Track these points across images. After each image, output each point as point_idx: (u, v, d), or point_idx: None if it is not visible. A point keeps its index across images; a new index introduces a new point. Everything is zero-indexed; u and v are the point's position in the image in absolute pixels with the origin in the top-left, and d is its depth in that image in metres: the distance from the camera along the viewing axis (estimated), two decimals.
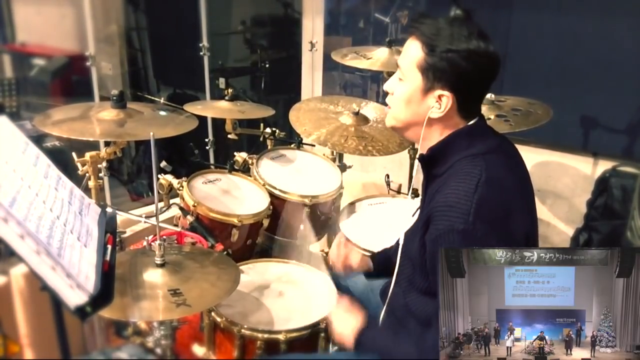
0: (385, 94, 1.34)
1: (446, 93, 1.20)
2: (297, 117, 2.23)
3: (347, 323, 1.36)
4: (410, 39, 1.24)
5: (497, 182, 1.18)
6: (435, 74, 1.20)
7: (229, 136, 2.36)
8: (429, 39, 1.20)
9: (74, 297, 0.98)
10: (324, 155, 2.36)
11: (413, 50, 1.23)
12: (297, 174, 2.24)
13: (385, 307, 1.45)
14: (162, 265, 1.34)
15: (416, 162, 1.34)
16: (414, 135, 1.30)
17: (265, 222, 2.03)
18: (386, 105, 1.36)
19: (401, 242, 1.37)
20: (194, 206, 1.87)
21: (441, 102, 1.21)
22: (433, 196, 1.25)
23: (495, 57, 1.20)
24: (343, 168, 2.38)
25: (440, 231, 1.16)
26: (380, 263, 1.65)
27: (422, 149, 1.30)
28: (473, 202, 1.13)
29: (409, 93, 1.25)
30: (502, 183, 1.20)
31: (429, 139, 1.28)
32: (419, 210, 1.42)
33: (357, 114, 2.23)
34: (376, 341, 1.32)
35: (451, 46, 1.17)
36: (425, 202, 1.33)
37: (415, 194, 2.27)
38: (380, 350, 1.29)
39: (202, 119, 2.16)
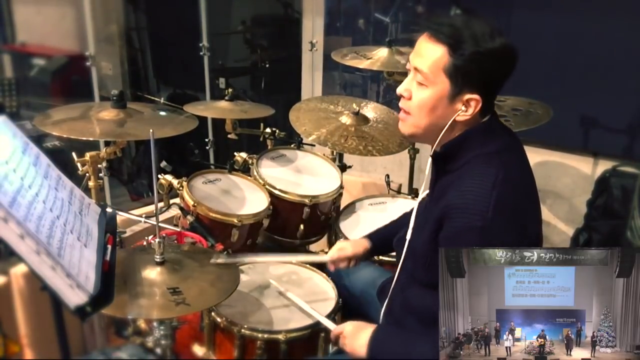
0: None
1: (475, 96, 1.18)
2: (297, 117, 2.23)
3: (357, 338, 1.33)
4: (428, 41, 1.19)
5: (513, 181, 1.18)
6: (465, 78, 1.16)
7: (229, 136, 2.36)
8: (453, 41, 1.15)
9: (74, 297, 0.98)
10: (324, 155, 2.36)
11: (436, 54, 1.17)
12: (297, 174, 2.24)
13: (385, 304, 1.45)
14: (161, 263, 1.33)
15: (428, 163, 1.32)
16: (431, 139, 1.27)
17: (265, 222, 2.03)
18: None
19: (409, 237, 1.37)
20: (194, 206, 1.87)
21: (470, 105, 1.19)
22: (444, 191, 1.24)
23: (516, 51, 1.18)
24: (343, 168, 2.38)
25: (457, 229, 1.16)
26: (379, 241, 1.67)
27: (437, 146, 1.28)
28: (491, 200, 1.13)
29: (435, 99, 1.20)
30: (518, 182, 1.20)
31: (446, 138, 1.26)
32: (424, 203, 1.42)
33: (357, 114, 2.23)
34: (389, 344, 1.29)
35: (478, 47, 1.14)
36: (434, 196, 1.32)
37: (415, 193, 2.27)
38: (396, 353, 1.27)
39: (202, 119, 2.16)
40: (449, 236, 1.18)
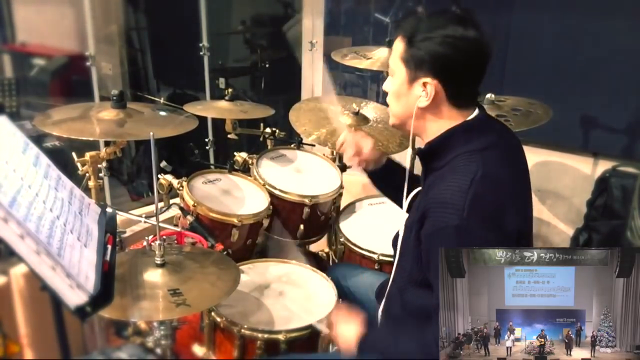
0: (385, 93, 1.36)
1: (429, 80, 1.22)
2: (297, 117, 2.23)
3: (348, 331, 1.36)
4: (397, 39, 1.29)
5: (492, 179, 1.19)
6: (416, 62, 1.23)
7: (229, 136, 2.36)
8: (408, 32, 1.24)
9: (74, 297, 0.99)
10: (324, 155, 2.36)
11: (397, 46, 1.28)
12: (297, 174, 2.24)
13: (382, 305, 1.46)
14: (162, 265, 1.34)
15: (408, 156, 1.35)
16: (408, 128, 1.32)
17: (265, 222, 2.03)
18: (387, 105, 1.37)
19: (401, 234, 1.37)
20: (194, 206, 1.87)
21: (426, 89, 1.23)
22: (428, 190, 1.26)
23: (475, 41, 1.21)
24: (343, 168, 2.38)
25: (435, 227, 1.17)
26: (391, 169, 1.66)
27: (422, 142, 1.32)
28: (467, 199, 1.14)
29: (398, 87, 1.29)
30: (498, 180, 1.21)
31: (428, 132, 1.30)
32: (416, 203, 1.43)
33: (357, 114, 2.23)
34: (377, 342, 1.32)
35: (428, 34, 1.21)
36: (423, 194, 1.34)
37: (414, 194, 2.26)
38: (383, 350, 1.29)
39: (202, 119, 2.16)
40: (428, 233, 1.20)
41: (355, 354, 1.33)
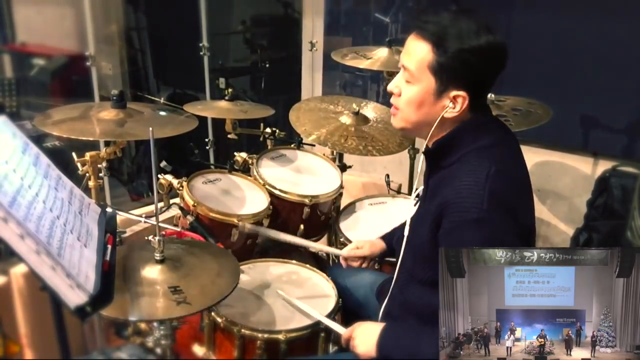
0: (387, 93, 1.33)
1: (461, 93, 1.18)
2: (297, 117, 2.23)
3: (367, 335, 1.33)
4: (415, 39, 1.21)
5: (506, 173, 1.19)
6: (449, 75, 1.17)
7: (229, 136, 2.36)
8: (438, 38, 1.16)
9: (74, 297, 0.98)
10: (324, 155, 2.36)
11: (421, 52, 1.19)
12: (297, 174, 2.24)
13: (385, 304, 1.45)
14: (161, 262, 1.33)
15: (421, 159, 1.33)
16: (424, 134, 1.29)
17: (265, 222, 2.03)
18: (387, 105, 1.35)
19: (406, 233, 1.37)
20: (194, 206, 1.87)
21: (457, 102, 1.19)
22: (438, 187, 1.25)
23: (504, 48, 1.19)
24: (343, 168, 2.38)
25: (455, 223, 1.16)
26: (392, 241, 1.66)
27: (428, 142, 1.30)
28: (485, 192, 1.14)
29: (421, 96, 1.22)
30: (510, 176, 1.21)
31: (437, 134, 1.27)
32: (419, 200, 1.42)
33: (357, 114, 2.23)
34: (397, 342, 1.29)
35: (462, 45, 1.14)
36: (428, 192, 1.33)
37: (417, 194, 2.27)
38: (405, 350, 1.26)
39: (202, 119, 2.16)
40: (447, 232, 1.19)
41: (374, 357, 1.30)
